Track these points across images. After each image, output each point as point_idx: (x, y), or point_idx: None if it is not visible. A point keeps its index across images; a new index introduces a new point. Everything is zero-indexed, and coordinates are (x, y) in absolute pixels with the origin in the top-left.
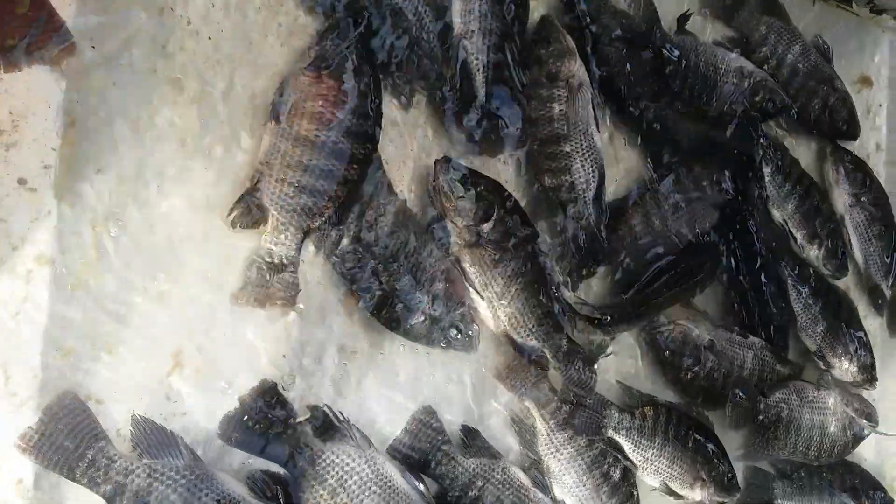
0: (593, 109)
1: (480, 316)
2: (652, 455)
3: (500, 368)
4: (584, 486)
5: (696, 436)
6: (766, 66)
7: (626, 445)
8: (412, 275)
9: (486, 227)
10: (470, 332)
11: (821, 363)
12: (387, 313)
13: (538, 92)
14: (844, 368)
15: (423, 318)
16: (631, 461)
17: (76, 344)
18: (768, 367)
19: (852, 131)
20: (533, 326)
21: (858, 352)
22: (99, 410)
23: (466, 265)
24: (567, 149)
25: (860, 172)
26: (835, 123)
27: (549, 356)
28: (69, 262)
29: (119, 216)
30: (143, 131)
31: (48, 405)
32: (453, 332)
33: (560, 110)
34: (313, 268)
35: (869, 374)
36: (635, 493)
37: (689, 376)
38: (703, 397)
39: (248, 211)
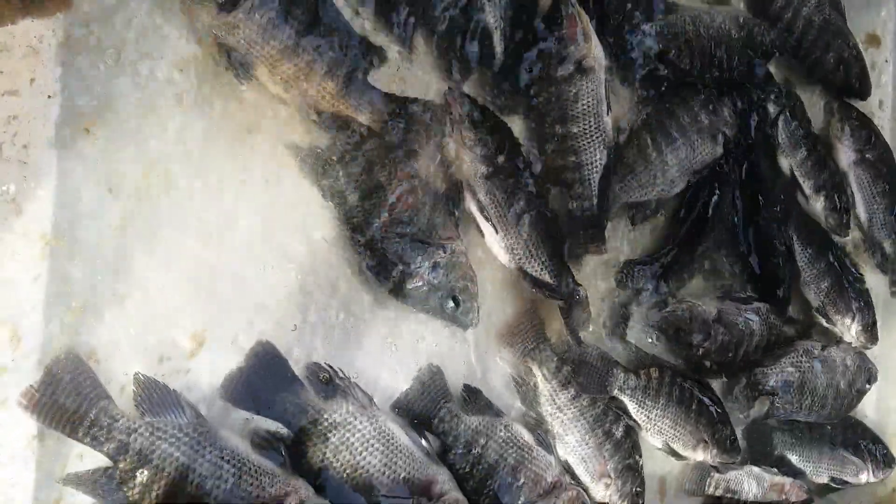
0: (605, 92)
1: (495, 252)
2: (655, 415)
3: (503, 329)
4: (587, 444)
5: (700, 398)
6: (783, 18)
7: (631, 405)
8: (418, 239)
9: (501, 158)
10: (469, 307)
11: (822, 320)
12: (387, 274)
13: (549, 73)
14: (846, 325)
15: (421, 283)
16: (635, 421)
17: (79, 302)
18: (776, 330)
19: (864, 89)
20: (545, 260)
21: (861, 310)
22: (101, 369)
23: (482, 196)
24: (575, 130)
25: (865, 129)
26: (848, 80)
27: (557, 294)
28: (67, 225)
29: (118, 173)
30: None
31: (49, 364)
32: (451, 304)
33: (571, 91)
34: (321, 226)
35: (870, 332)
36: (638, 451)
37: (701, 352)
38: (720, 370)
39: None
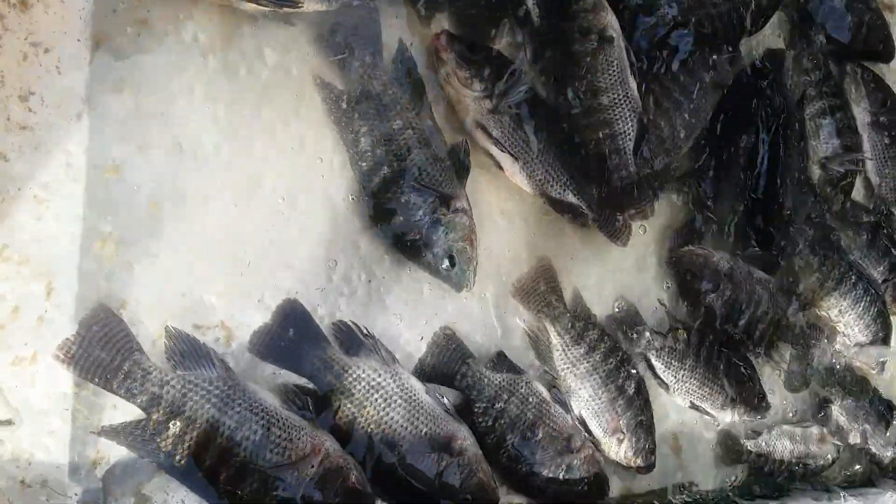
0: (628, 58)
1: (517, 180)
2: (683, 376)
3: (517, 285)
4: (600, 399)
5: (729, 357)
6: None
7: (658, 365)
8: (424, 187)
9: (500, 87)
10: (464, 268)
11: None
12: (389, 225)
13: (572, 48)
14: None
15: (419, 237)
16: (662, 381)
17: (111, 259)
18: (779, 308)
19: (888, 51)
20: (567, 181)
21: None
22: (132, 324)
23: (494, 131)
24: (605, 101)
25: (881, 92)
26: (871, 42)
27: (584, 208)
28: (100, 187)
29: (146, 133)
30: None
31: (84, 318)
32: (446, 263)
33: (594, 63)
34: (344, 188)
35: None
36: (650, 408)
37: (706, 301)
38: (721, 325)
39: None
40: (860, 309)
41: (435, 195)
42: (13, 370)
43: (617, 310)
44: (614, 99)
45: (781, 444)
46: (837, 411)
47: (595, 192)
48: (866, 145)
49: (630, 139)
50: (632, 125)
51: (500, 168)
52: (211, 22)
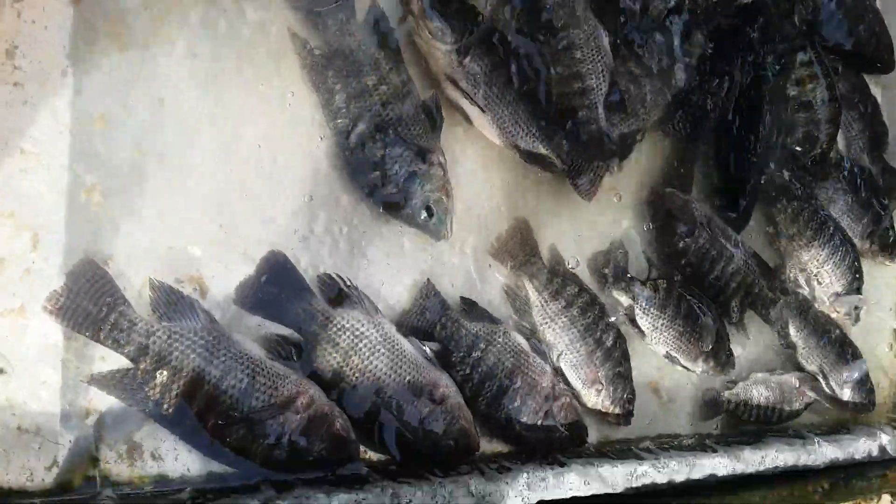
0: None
1: (487, 133)
2: (661, 325)
3: (495, 243)
4: (578, 352)
5: (704, 314)
6: None
7: (637, 312)
8: (399, 142)
9: (470, 40)
10: (442, 218)
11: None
12: (365, 179)
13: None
14: (867, 247)
15: (396, 190)
16: (639, 328)
17: (96, 212)
18: (752, 276)
19: (890, 61)
20: (536, 131)
21: (886, 230)
22: (118, 277)
23: (463, 83)
24: (577, 55)
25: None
26: (877, 49)
27: (553, 158)
28: (84, 141)
29: (129, 89)
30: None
31: (70, 271)
32: (424, 213)
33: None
34: (321, 142)
35: (891, 249)
36: (628, 359)
37: (680, 245)
38: (689, 274)
39: None
40: (837, 258)
41: (410, 149)
42: (4, 321)
43: (597, 256)
44: (587, 54)
45: (757, 392)
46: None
47: (564, 143)
48: None
49: (601, 94)
50: (604, 80)
51: (470, 122)
52: None
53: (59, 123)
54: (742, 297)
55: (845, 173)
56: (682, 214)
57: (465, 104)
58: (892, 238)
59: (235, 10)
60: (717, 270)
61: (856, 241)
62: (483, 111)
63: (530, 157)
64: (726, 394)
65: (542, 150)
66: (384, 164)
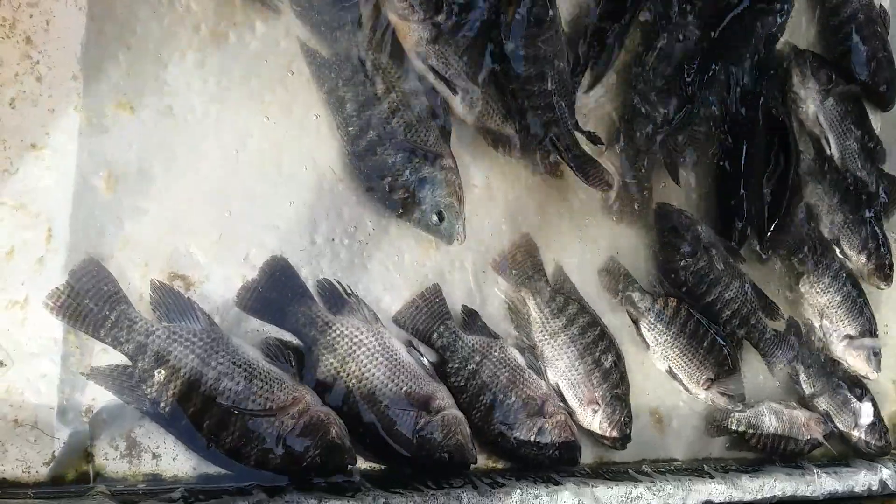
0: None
1: (457, 112)
2: (665, 341)
3: (499, 257)
4: (577, 371)
5: (714, 337)
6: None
7: (643, 324)
8: (408, 149)
9: (441, 17)
10: (454, 222)
11: (837, 251)
12: (377, 185)
13: None
14: (860, 262)
15: (407, 195)
16: (644, 339)
17: (102, 213)
18: (751, 303)
19: (890, 96)
20: (506, 113)
21: (879, 248)
22: (120, 277)
23: (434, 61)
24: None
25: (824, 70)
26: (877, 80)
27: (517, 142)
28: (94, 143)
29: (139, 95)
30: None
31: (73, 269)
32: (435, 218)
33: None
34: (328, 155)
35: (885, 272)
36: (626, 382)
37: (680, 262)
38: (684, 293)
39: None
40: (849, 303)
41: (421, 154)
42: (6, 313)
43: (607, 267)
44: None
45: (768, 420)
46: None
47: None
48: (823, 124)
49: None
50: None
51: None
52: None
53: (71, 125)
54: (737, 326)
55: (844, 183)
56: (687, 234)
57: (435, 82)
58: (888, 260)
59: (245, 23)
60: (714, 294)
61: (853, 255)
62: (454, 91)
63: (495, 139)
64: (737, 415)
65: (510, 132)
66: (395, 170)
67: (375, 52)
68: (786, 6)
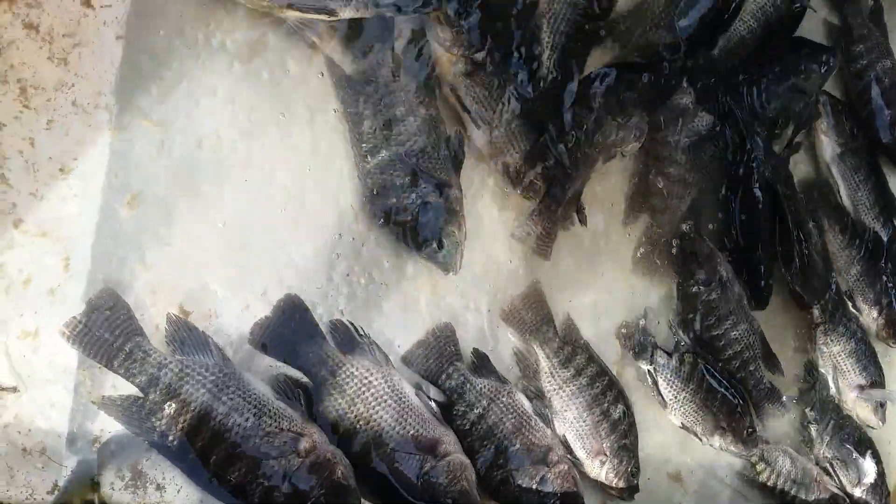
0: None
1: (478, 144)
2: (683, 398)
3: (508, 307)
4: (584, 422)
5: (727, 387)
6: (856, 63)
7: (660, 381)
8: (417, 172)
9: (481, 55)
10: (452, 252)
11: (849, 304)
12: (382, 206)
13: None
14: (872, 316)
15: (410, 218)
16: (661, 396)
17: (124, 242)
18: (754, 350)
19: None
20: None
21: (891, 304)
22: (138, 307)
23: (462, 93)
24: None
25: (849, 122)
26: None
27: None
28: (121, 173)
29: (169, 127)
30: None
31: (91, 299)
32: (434, 245)
33: None
34: (350, 195)
35: (894, 329)
36: (634, 433)
37: (693, 289)
38: (690, 319)
39: None
40: (860, 352)
41: (429, 181)
42: (22, 340)
43: (625, 324)
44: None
45: (783, 461)
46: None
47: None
48: (836, 174)
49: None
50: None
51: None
52: (240, 31)
53: (100, 153)
54: (735, 368)
55: (857, 237)
56: (706, 263)
57: (463, 115)
58: None
59: (278, 62)
60: (721, 329)
61: (865, 309)
62: (477, 126)
63: (513, 175)
64: (755, 450)
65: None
66: (401, 192)
67: (405, 76)
68: (831, 59)
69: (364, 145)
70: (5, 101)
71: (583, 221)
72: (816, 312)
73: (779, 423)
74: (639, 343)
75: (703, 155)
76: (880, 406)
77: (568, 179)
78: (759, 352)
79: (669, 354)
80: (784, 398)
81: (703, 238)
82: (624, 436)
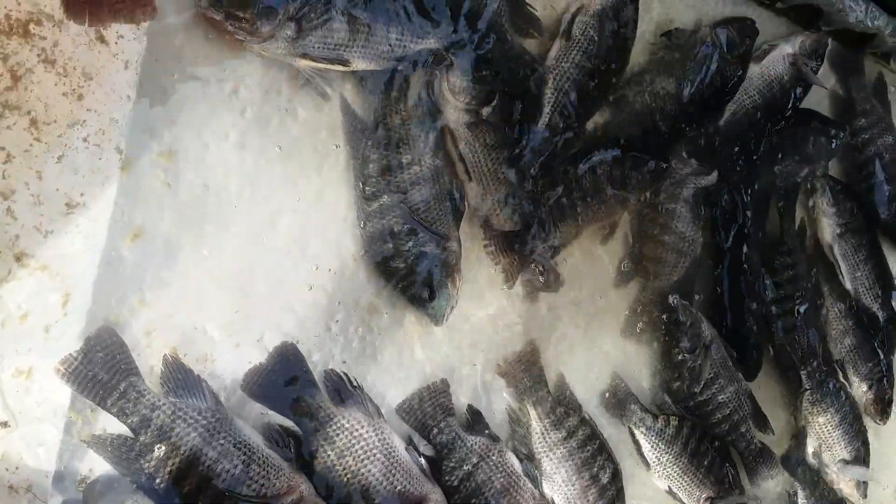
0: None
1: (468, 196)
2: (667, 461)
3: (502, 365)
4: (573, 485)
5: (714, 455)
6: (859, 137)
7: (644, 444)
8: (416, 222)
9: (486, 110)
10: (443, 304)
11: (840, 374)
12: (378, 248)
13: None
14: (861, 391)
15: (404, 266)
16: (645, 459)
17: (125, 281)
18: (743, 410)
19: None
20: (517, 205)
21: (882, 381)
22: (135, 346)
23: (461, 143)
24: None
25: (849, 202)
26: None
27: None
28: (127, 211)
29: (177, 169)
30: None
31: (88, 337)
32: (425, 293)
33: None
34: (352, 244)
35: (881, 407)
36: (622, 499)
37: (678, 357)
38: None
39: None
40: (846, 425)
41: (428, 231)
42: (15, 377)
43: (611, 386)
44: None
45: None
46: None
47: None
48: (837, 254)
49: None
50: None
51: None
52: (253, 77)
53: (107, 192)
54: (726, 431)
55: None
56: (689, 330)
57: (458, 165)
58: (889, 395)
59: (288, 109)
60: (708, 395)
61: (855, 382)
62: (469, 177)
63: (497, 240)
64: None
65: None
66: (399, 239)
67: (415, 125)
68: (840, 133)
69: (367, 188)
70: (16, 132)
71: (548, 284)
72: (803, 377)
73: (774, 483)
74: (620, 403)
75: (698, 223)
76: (862, 483)
77: (542, 230)
78: (748, 411)
79: (655, 416)
80: (779, 462)
81: (687, 305)
82: (612, 501)
